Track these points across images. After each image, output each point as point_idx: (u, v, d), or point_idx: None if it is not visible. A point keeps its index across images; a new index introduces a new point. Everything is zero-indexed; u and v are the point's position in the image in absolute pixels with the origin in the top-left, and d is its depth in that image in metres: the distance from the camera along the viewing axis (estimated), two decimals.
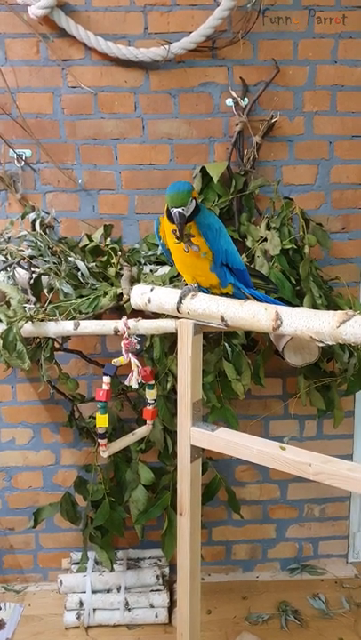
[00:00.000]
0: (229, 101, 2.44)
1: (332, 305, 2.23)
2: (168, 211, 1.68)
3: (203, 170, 2.39)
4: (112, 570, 2.40)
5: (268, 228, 2.29)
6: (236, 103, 2.43)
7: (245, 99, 2.43)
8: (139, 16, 2.37)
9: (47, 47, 2.37)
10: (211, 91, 2.45)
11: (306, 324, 1.55)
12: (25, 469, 2.74)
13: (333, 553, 2.92)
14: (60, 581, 2.57)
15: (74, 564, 2.69)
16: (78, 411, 2.49)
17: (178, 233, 1.67)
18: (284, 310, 1.60)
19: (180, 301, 1.74)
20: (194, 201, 1.67)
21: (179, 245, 1.75)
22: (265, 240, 2.26)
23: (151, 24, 2.38)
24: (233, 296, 1.82)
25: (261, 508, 2.86)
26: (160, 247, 1.89)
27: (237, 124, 2.42)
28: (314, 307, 2.14)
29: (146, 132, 2.47)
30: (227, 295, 1.82)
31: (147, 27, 2.38)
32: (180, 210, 1.64)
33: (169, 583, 2.68)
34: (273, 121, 2.42)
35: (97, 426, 1.86)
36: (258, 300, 1.83)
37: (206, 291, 1.83)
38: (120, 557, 2.68)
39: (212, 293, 1.81)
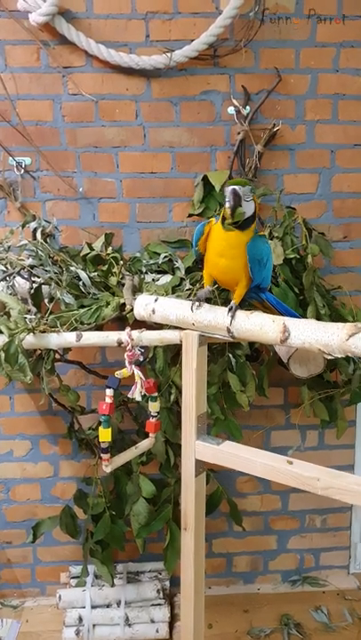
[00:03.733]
0: (231, 110, 2.42)
1: (335, 315, 2.21)
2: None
3: (205, 178, 2.37)
4: (113, 585, 2.36)
5: (271, 237, 2.26)
6: (238, 111, 2.41)
7: (247, 107, 2.41)
8: (140, 23, 2.35)
9: (48, 54, 2.34)
10: (212, 99, 2.43)
11: (314, 336, 1.52)
12: (23, 481, 2.70)
13: (335, 564, 2.90)
14: (59, 596, 2.53)
15: (73, 577, 2.64)
16: (78, 422, 2.45)
17: (228, 211, 1.60)
18: (291, 322, 1.58)
19: (197, 300, 1.75)
20: (253, 203, 1.65)
21: (223, 257, 1.70)
22: None
23: (153, 32, 2.36)
24: (251, 296, 1.82)
25: (262, 519, 2.83)
26: (194, 254, 1.83)
27: (239, 133, 2.40)
28: (318, 317, 2.12)
29: (147, 140, 2.44)
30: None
31: (148, 34, 2.36)
32: (234, 187, 1.59)
33: (169, 597, 2.64)
34: (275, 130, 2.40)
35: (100, 440, 1.82)
36: (272, 305, 1.82)
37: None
38: (119, 571, 2.63)
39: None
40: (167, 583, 2.64)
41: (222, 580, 2.86)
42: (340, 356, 1.50)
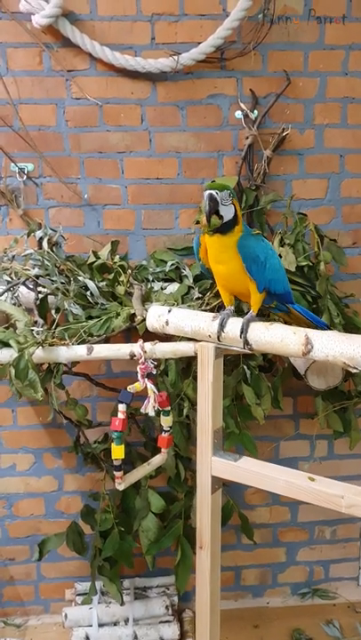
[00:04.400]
0: (239, 114, 2.36)
1: (348, 324, 2.15)
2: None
3: None
4: (122, 604, 2.29)
5: (282, 244, 2.21)
6: (246, 116, 2.35)
7: (255, 111, 2.35)
8: (146, 26, 2.29)
9: (51, 57, 2.27)
10: (220, 103, 2.37)
11: (339, 349, 1.47)
12: (26, 496, 2.62)
13: (345, 576, 2.85)
14: (65, 615, 2.45)
15: (78, 594, 2.57)
16: (84, 436, 2.38)
17: (205, 218, 1.56)
18: (314, 334, 1.52)
19: (221, 329, 1.65)
20: (233, 207, 1.59)
21: (220, 264, 1.66)
22: (279, 256, 2.18)
23: (158, 34, 2.30)
24: (276, 308, 1.78)
25: (271, 532, 2.77)
26: (200, 268, 1.79)
27: (247, 138, 2.35)
28: (332, 326, 2.06)
29: (153, 145, 2.38)
30: (270, 308, 1.78)
31: (154, 37, 2.30)
32: (212, 192, 1.54)
33: (178, 612, 2.58)
34: (284, 134, 2.34)
35: (113, 457, 1.75)
36: (302, 315, 1.77)
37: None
38: (126, 587, 2.56)
39: None
40: (175, 599, 2.58)
41: (231, 593, 2.80)
42: None
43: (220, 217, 1.58)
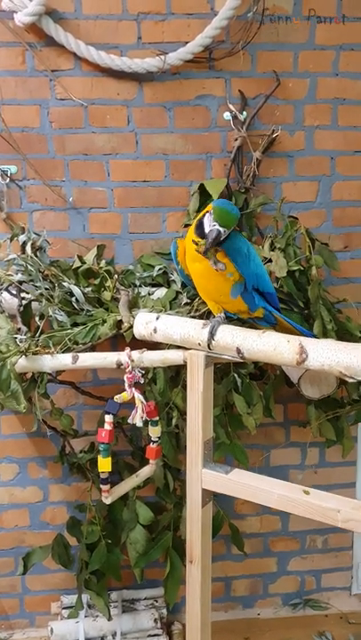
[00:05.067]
0: (227, 115, 2.31)
1: (341, 330, 2.11)
2: (200, 221, 1.55)
3: (201, 187, 2.26)
4: (110, 618, 2.22)
5: (273, 248, 2.16)
6: (235, 117, 2.30)
7: (244, 112, 2.31)
8: (132, 25, 2.23)
9: (34, 57, 2.21)
10: (208, 104, 2.32)
11: (335, 357, 1.42)
12: (10, 507, 2.55)
13: (337, 585, 2.79)
14: (51, 629, 2.38)
15: (64, 608, 2.50)
16: (70, 446, 2.31)
17: (203, 247, 1.53)
18: (309, 342, 1.47)
19: (211, 337, 1.59)
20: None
21: (200, 271, 1.61)
22: (269, 261, 2.13)
23: (145, 33, 2.24)
24: (263, 319, 1.70)
25: (262, 541, 2.72)
26: (179, 274, 1.74)
27: (236, 139, 2.30)
28: (324, 332, 2.02)
29: (139, 147, 2.32)
30: (257, 319, 1.69)
31: (140, 36, 2.24)
32: (221, 229, 1.50)
33: (167, 625, 2.51)
34: (274, 136, 2.30)
35: (99, 470, 1.69)
36: (291, 326, 1.72)
37: (234, 316, 1.69)
38: (114, 599, 2.50)
39: (240, 319, 1.68)
40: (164, 611, 2.51)
41: (221, 604, 2.74)
42: None
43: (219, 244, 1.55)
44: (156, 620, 2.44)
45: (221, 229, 1.51)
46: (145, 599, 2.56)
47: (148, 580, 2.54)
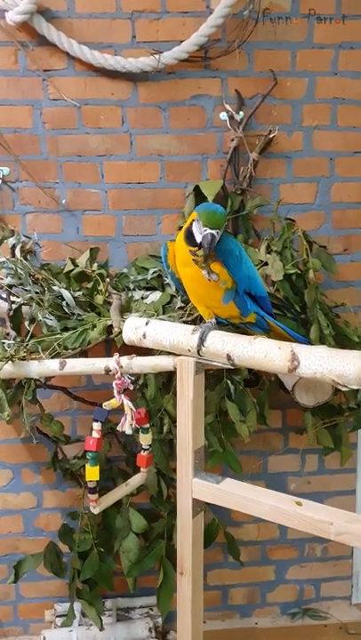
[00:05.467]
0: (224, 115, 2.27)
1: (339, 335, 2.06)
2: (188, 231, 1.51)
3: (196, 189, 2.22)
4: (102, 629, 2.18)
5: (269, 251, 2.11)
6: (231, 117, 2.26)
7: (241, 112, 2.26)
8: (126, 23, 2.19)
9: (26, 56, 2.17)
10: (204, 104, 2.28)
11: (327, 365, 1.37)
12: (4, 513, 2.51)
13: (337, 595, 2.74)
14: (44, 638, 2.34)
15: (58, 616, 2.46)
16: (62, 452, 2.27)
17: (202, 257, 1.48)
18: (301, 349, 1.42)
19: (201, 343, 1.55)
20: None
21: (191, 274, 1.57)
22: (265, 264, 2.08)
23: (139, 32, 2.20)
24: (256, 324, 1.65)
25: (260, 549, 2.66)
26: (170, 277, 1.70)
27: (233, 140, 2.25)
28: (321, 337, 1.97)
29: (134, 148, 2.28)
30: (249, 324, 1.64)
31: (134, 35, 2.20)
32: (213, 232, 1.46)
33: (162, 634, 2.47)
34: (271, 136, 2.25)
35: (87, 479, 1.64)
36: (284, 332, 1.68)
37: (225, 321, 1.64)
38: (108, 607, 2.46)
39: (233, 324, 1.63)
40: (159, 620, 2.47)
41: (218, 613, 2.69)
42: (356, 388, 1.34)
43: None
44: (150, 630, 2.40)
45: (214, 232, 1.47)
46: (140, 607, 2.52)
47: (144, 589, 2.49)
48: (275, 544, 2.67)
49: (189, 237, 1.51)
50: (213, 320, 1.62)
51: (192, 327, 1.60)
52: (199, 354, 1.57)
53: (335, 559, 2.70)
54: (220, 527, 2.27)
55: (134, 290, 2.20)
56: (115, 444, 2.30)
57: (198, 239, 1.49)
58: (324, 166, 2.38)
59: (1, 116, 2.21)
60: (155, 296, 2.15)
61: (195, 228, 1.49)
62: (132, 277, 2.23)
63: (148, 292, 2.19)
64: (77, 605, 2.35)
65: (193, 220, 1.51)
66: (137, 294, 2.17)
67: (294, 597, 2.72)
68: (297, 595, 2.72)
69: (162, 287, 2.20)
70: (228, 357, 1.52)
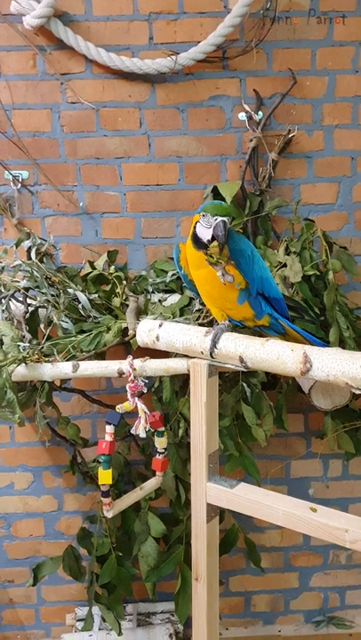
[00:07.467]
0: (242, 115, 2.25)
1: (360, 337, 2.01)
2: (194, 235, 1.49)
3: (215, 190, 2.20)
4: (120, 633, 2.16)
5: (288, 252, 2.08)
6: (250, 117, 2.24)
7: (260, 112, 2.24)
8: (143, 25, 2.18)
9: (44, 60, 2.18)
10: (222, 104, 2.25)
11: (340, 368, 1.33)
12: (25, 516, 2.52)
13: None
14: None
15: (79, 620, 2.45)
16: (80, 455, 2.27)
17: (217, 248, 1.45)
18: (313, 351, 1.39)
19: (213, 345, 1.53)
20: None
21: (204, 276, 1.54)
22: (284, 266, 2.05)
23: (156, 34, 2.19)
24: (270, 327, 1.61)
25: (283, 556, 2.62)
26: (182, 279, 1.68)
27: (251, 140, 2.23)
28: (341, 340, 1.92)
29: (152, 149, 2.28)
30: (263, 327, 1.62)
31: (152, 37, 2.19)
32: (224, 219, 1.43)
33: None
34: (290, 136, 2.22)
35: (100, 483, 1.63)
36: (300, 335, 1.64)
37: (239, 324, 1.62)
38: (129, 612, 2.44)
39: (246, 326, 1.61)
40: (180, 626, 2.44)
41: (240, 620, 2.65)
42: None
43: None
44: (171, 635, 2.37)
45: (225, 218, 1.44)
46: (161, 613, 2.50)
47: (165, 593, 2.48)
48: (298, 550, 2.62)
49: (197, 241, 1.49)
50: (227, 322, 1.59)
51: (205, 329, 1.58)
52: (212, 356, 1.54)
53: (360, 567, 2.64)
54: (240, 532, 2.23)
55: (153, 292, 2.19)
56: (133, 448, 2.29)
57: (208, 235, 1.45)
58: (346, 166, 2.33)
59: (20, 120, 2.22)
60: (173, 299, 2.14)
61: (201, 228, 1.47)
62: (150, 280, 2.22)
63: (166, 295, 2.18)
64: (97, 610, 2.34)
65: (197, 222, 1.49)
66: (155, 297, 2.16)
67: (318, 605, 2.67)
68: (321, 602, 2.67)
69: (180, 290, 2.18)
70: (241, 360, 1.49)
